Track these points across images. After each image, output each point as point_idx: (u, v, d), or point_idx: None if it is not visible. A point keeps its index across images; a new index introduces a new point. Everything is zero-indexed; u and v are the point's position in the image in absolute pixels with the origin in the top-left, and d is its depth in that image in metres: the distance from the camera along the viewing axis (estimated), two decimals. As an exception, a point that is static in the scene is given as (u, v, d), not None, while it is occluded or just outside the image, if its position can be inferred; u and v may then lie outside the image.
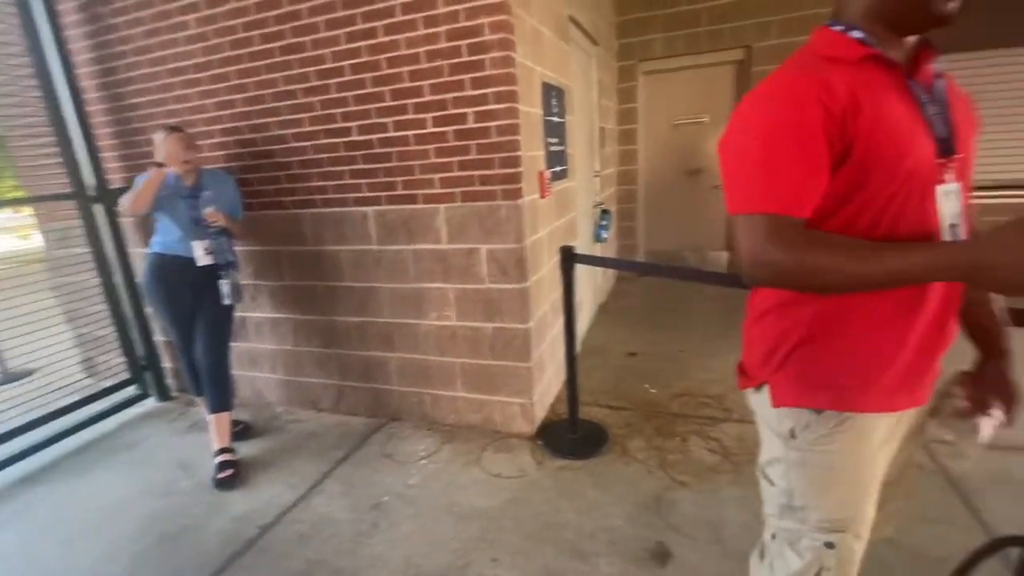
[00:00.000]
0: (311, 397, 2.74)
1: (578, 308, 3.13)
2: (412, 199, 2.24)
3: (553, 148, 2.54)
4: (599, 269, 3.91)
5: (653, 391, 2.66)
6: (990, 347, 0.90)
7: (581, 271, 3.31)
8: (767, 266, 0.71)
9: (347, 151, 2.29)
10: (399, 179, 2.23)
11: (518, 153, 2.05)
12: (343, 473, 2.18)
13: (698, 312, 3.81)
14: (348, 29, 2.14)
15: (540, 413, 2.44)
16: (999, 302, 0.89)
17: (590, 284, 3.72)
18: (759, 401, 0.90)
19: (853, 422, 0.81)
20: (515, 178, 2.07)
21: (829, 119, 0.69)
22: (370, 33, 2.11)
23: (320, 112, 2.29)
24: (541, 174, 2.32)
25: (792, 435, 0.84)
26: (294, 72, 2.27)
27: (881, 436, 0.84)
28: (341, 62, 2.19)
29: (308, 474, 2.18)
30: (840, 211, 0.74)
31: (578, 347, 3.18)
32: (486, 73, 1.99)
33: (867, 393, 0.80)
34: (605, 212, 3.77)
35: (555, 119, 2.56)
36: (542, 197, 2.34)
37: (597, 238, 3.72)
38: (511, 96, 2.00)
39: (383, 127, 2.20)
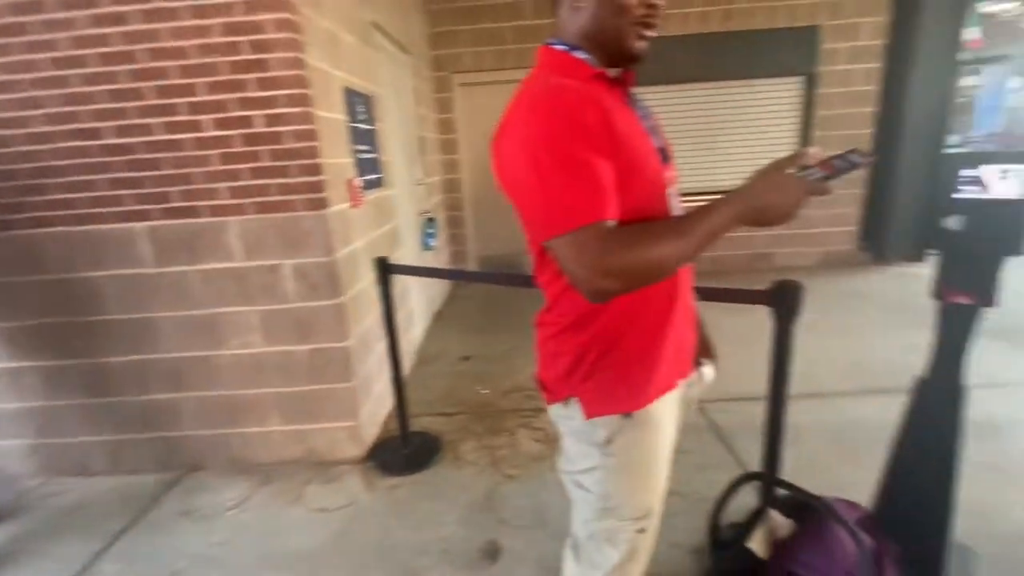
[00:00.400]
0: (77, 460, 2.20)
1: (410, 317, 3.08)
2: (194, 212, 1.94)
3: (363, 156, 2.45)
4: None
5: (485, 392, 2.73)
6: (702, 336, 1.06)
7: (414, 279, 3.27)
8: (615, 274, 0.69)
9: (101, 156, 1.90)
10: (174, 189, 1.92)
11: (319, 160, 1.92)
12: (123, 547, 1.79)
13: (529, 311, 4.01)
14: (91, 11, 1.77)
15: (371, 433, 2.32)
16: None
17: (424, 292, 3.69)
18: (567, 415, 0.89)
19: (651, 413, 0.86)
20: (318, 187, 1.94)
21: (604, 123, 0.71)
22: (120, 18, 1.78)
23: (56, 109, 1.85)
24: (350, 182, 2.22)
25: (608, 442, 0.85)
26: (14, 59, 1.81)
27: (671, 414, 0.91)
28: (83, 49, 1.80)
29: (72, 558, 1.75)
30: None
31: (412, 357, 3.14)
32: (273, 74, 1.83)
33: (654, 381, 0.85)
34: (431, 220, 3.78)
35: (363, 126, 2.47)
36: (354, 206, 2.23)
37: (425, 246, 3.70)
38: (304, 100, 1.87)
39: (146, 128, 1.87)
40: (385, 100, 2.93)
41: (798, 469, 1.94)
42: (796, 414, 2.40)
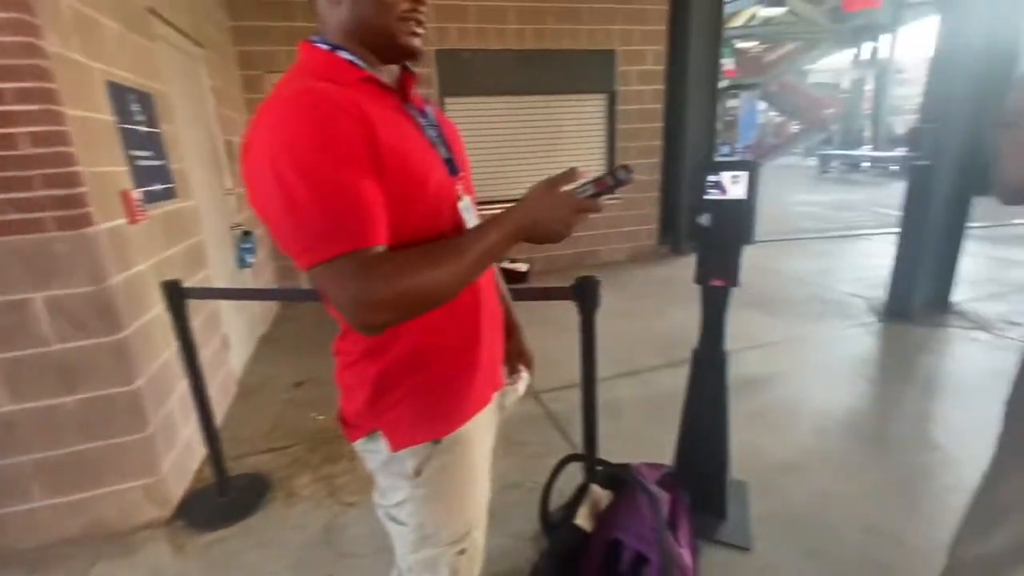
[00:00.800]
0: None
1: (225, 345, 2.71)
2: None
3: (145, 163, 2.08)
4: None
5: (320, 418, 2.54)
6: (507, 326, 1.02)
7: (229, 300, 2.88)
8: (383, 306, 0.62)
9: None
10: None
11: (76, 169, 1.58)
12: None
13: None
14: None
15: (179, 487, 1.99)
16: (504, 287, 1.08)
17: (242, 314, 3.28)
18: (373, 448, 0.82)
19: (465, 434, 0.82)
20: (75, 201, 1.59)
21: (364, 135, 0.63)
22: None
23: None
24: (126, 194, 1.87)
25: (418, 473, 0.80)
26: None
27: (486, 426, 0.89)
28: None
29: None
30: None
31: (232, 390, 2.77)
32: (-7, 61, 1.45)
33: (467, 401, 0.82)
34: (247, 234, 3.39)
35: (142, 128, 2.10)
36: (133, 222, 1.89)
37: (241, 263, 3.31)
38: (47, 95, 1.52)
39: None
40: (173, 99, 2.54)
41: (621, 441, 2.20)
42: (617, 392, 2.73)
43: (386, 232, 0.66)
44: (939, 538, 1.63)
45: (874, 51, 16.13)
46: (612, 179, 0.71)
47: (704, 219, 1.45)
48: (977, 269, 4.43)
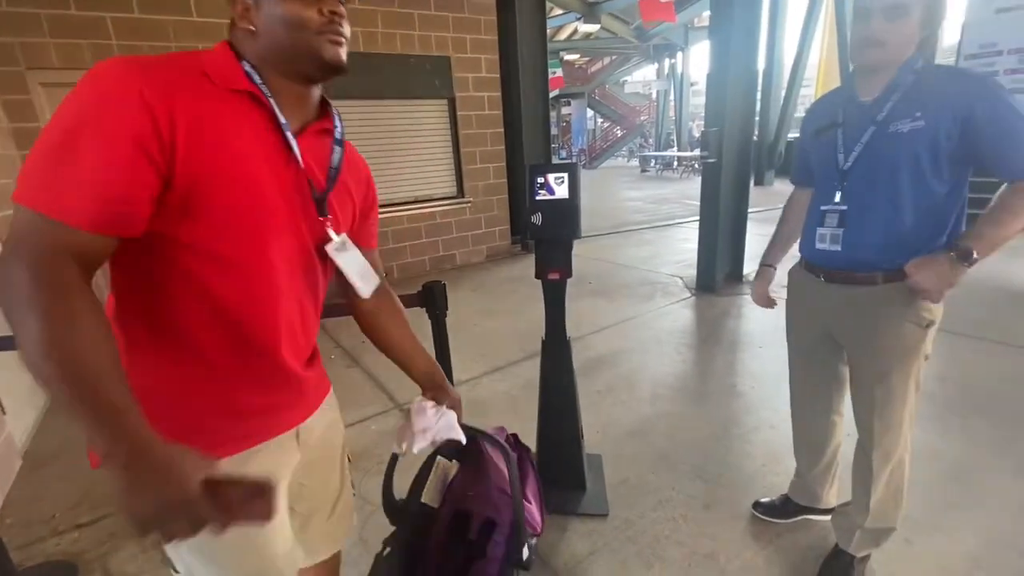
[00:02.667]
0: None
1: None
2: None
3: None
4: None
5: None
6: (428, 373, 1.00)
7: (7, 354, 2.27)
8: (12, 285, 0.53)
9: None
10: None
11: None
12: None
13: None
14: None
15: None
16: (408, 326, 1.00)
17: (24, 371, 2.63)
18: None
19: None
20: None
21: (154, 135, 0.58)
22: None
23: None
24: None
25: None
26: None
27: (275, 471, 0.79)
28: None
29: None
30: (173, 258, 0.64)
31: (14, 463, 2.22)
32: None
33: (222, 446, 0.73)
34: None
35: None
36: None
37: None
38: None
39: None
40: None
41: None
42: (482, 390, 2.80)
43: (111, 224, 0.58)
44: (750, 470, 2.00)
45: (671, 67, 19.12)
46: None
47: (536, 218, 1.55)
48: (760, 246, 5.46)
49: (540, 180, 1.55)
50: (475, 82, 5.37)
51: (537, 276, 1.64)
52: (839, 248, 1.25)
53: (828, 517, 1.60)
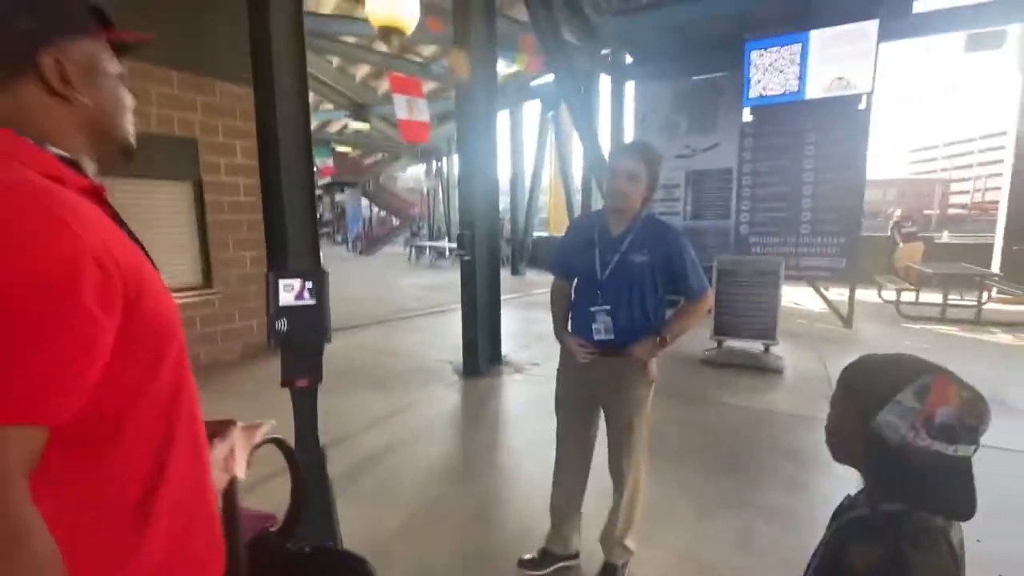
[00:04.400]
0: None
1: None
2: None
3: None
4: None
5: None
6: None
7: None
8: None
9: None
10: None
11: None
12: None
13: None
14: None
15: None
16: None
17: None
18: None
19: None
20: None
21: (104, 279, 0.51)
22: None
23: None
24: None
25: None
26: None
27: None
28: None
29: None
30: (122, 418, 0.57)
31: None
32: None
33: None
34: None
35: None
36: None
37: None
38: None
39: None
40: None
41: None
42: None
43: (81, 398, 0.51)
44: (504, 542, 2.16)
45: (438, 167, 21.20)
46: None
47: (281, 324, 1.53)
48: (515, 328, 6.21)
49: (285, 283, 1.55)
50: (228, 167, 5.03)
51: (284, 384, 1.58)
52: (613, 336, 1.74)
53: (578, 561, 1.96)
